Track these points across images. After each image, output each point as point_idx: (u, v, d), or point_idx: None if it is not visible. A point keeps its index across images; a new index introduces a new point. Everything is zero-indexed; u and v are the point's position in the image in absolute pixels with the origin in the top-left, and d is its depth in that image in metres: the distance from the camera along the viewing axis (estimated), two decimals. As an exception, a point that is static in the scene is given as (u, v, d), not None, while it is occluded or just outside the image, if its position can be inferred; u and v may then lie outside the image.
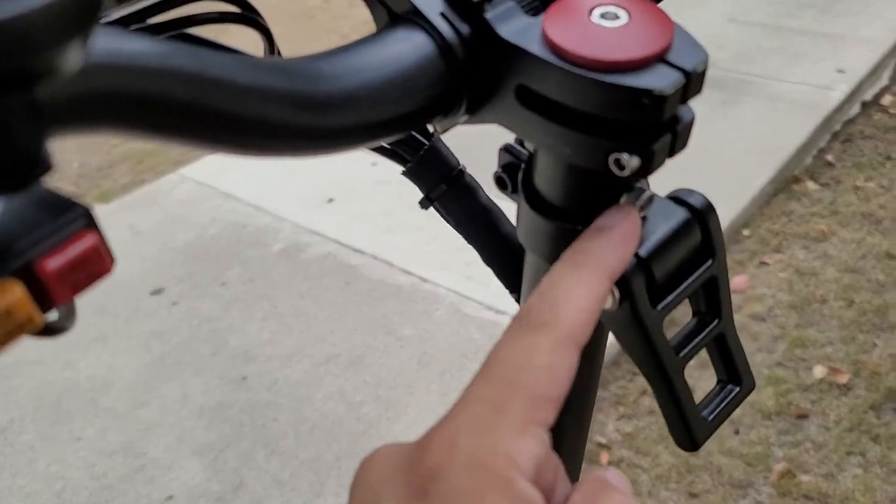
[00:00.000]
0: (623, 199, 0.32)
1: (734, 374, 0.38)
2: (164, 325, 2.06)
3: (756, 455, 1.67)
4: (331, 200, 2.48)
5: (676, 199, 0.34)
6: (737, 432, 1.72)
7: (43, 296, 0.21)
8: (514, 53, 0.29)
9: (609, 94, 0.27)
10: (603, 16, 0.29)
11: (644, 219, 0.33)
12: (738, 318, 2.01)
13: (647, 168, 0.29)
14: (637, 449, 1.70)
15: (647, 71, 0.27)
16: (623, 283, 0.31)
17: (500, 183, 0.38)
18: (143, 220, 2.49)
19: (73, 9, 0.17)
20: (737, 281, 2.12)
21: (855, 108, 2.84)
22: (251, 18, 0.36)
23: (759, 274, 2.15)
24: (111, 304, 2.14)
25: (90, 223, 0.22)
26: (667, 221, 0.33)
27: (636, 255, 0.32)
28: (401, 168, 0.45)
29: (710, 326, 0.36)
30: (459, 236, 0.45)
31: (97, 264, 0.22)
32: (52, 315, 0.22)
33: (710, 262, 0.35)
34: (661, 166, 0.30)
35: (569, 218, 0.33)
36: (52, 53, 0.17)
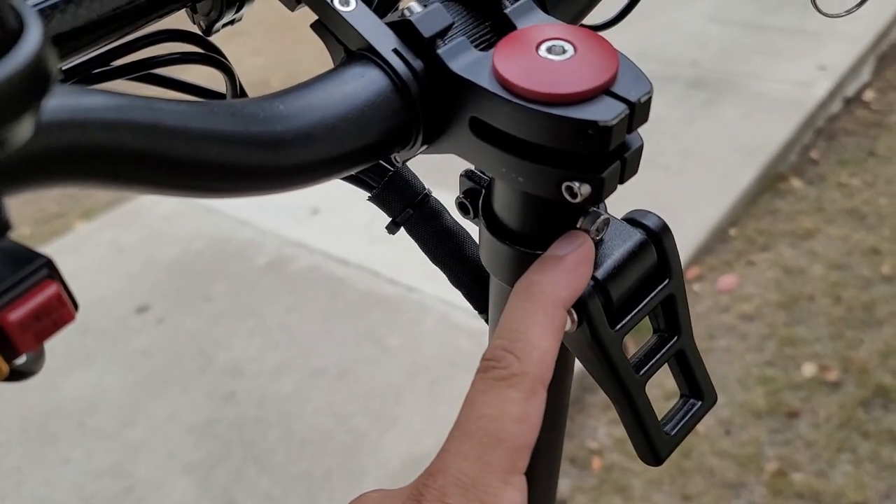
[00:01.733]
0: (580, 223, 0.33)
1: (696, 388, 0.38)
2: (151, 343, 2.04)
3: (748, 455, 1.67)
4: (315, 212, 2.47)
5: (632, 220, 0.35)
6: (728, 433, 1.72)
7: (7, 346, 0.21)
8: (466, 87, 0.30)
9: (556, 126, 0.28)
10: (550, 50, 0.29)
11: (600, 241, 0.33)
12: (728, 319, 2.01)
13: (598, 195, 0.29)
14: (628, 453, 1.69)
15: (592, 103, 0.28)
16: (581, 306, 0.32)
17: (462, 208, 0.38)
18: (126, 237, 2.47)
19: (21, 88, 0.17)
20: (725, 281, 2.12)
21: (837, 105, 2.85)
22: (214, 59, 0.35)
23: (746, 273, 2.15)
24: (96, 322, 2.12)
25: (52, 273, 0.23)
26: (623, 244, 0.34)
27: (593, 277, 0.32)
28: (367, 194, 0.45)
29: (670, 343, 0.37)
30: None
31: (60, 312, 0.23)
32: (21, 360, 0.23)
33: (667, 281, 0.35)
34: (612, 192, 0.30)
35: (527, 243, 0.34)
36: (1, 129, 0.17)
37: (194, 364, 1.96)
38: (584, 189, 0.29)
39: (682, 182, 2.44)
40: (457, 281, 0.46)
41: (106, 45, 0.33)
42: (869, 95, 2.92)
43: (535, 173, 0.30)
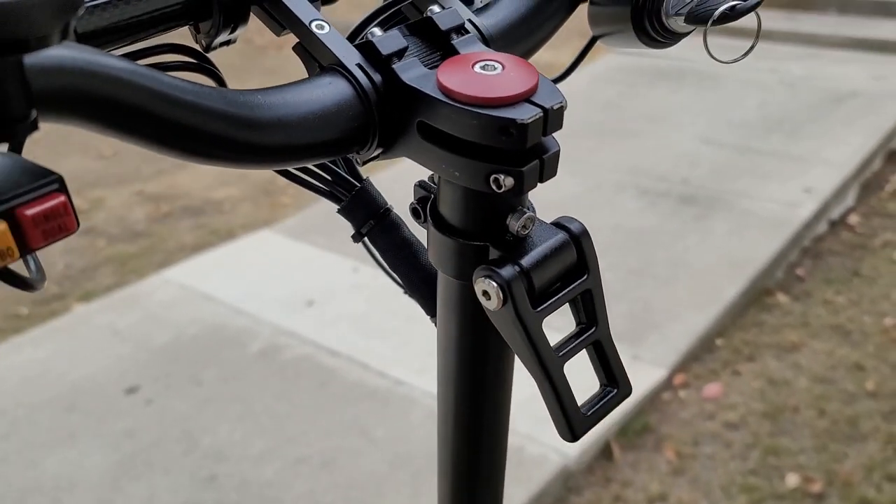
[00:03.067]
0: (508, 219, 0.39)
1: (612, 377, 0.43)
2: (136, 424, 2.04)
3: (731, 565, 1.65)
4: (310, 303, 2.51)
5: (558, 224, 0.42)
6: (711, 541, 1.70)
7: (21, 237, 0.27)
8: (415, 95, 0.37)
9: (485, 124, 0.35)
10: (483, 67, 0.37)
11: (528, 236, 0.40)
12: (713, 426, 2.01)
13: (520, 187, 0.36)
14: (610, 557, 1.67)
15: (514, 107, 0.35)
16: (506, 288, 0.38)
17: (414, 213, 0.44)
18: (122, 320, 2.50)
19: (51, 5, 0.23)
20: (711, 389, 2.14)
21: (823, 226, 2.95)
22: (210, 70, 0.42)
23: (732, 382, 2.17)
24: (83, 402, 2.13)
25: (62, 188, 0.28)
26: (547, 241, 0.40)
27: (519, 264, 0.39)
28: (336, 206, 0.52)
29: (588, 333, 0.42)
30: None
31: (65, 220, 0.28)
32: (27, 273, 0.29)
33: (585, 276, 0.41)
34: (533, 187, 0.37)
35: (467, 236, 0.40)
36: (37, 30, 0.23)
37: (178, 447, 1.96)
38: (507, 181, 0.36)
39: (671, 292, 2.49)
40: (411, 286, 0.52)
41: (122, 47, 0.40)
42: (854, 219, 3.02)
43: (469, 168, 0.36)
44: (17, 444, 1.99)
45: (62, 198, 0.27)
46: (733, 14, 0.39)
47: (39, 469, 1.91)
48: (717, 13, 0.39)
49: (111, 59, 0.30)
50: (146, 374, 2.23)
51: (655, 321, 2.35)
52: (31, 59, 0.26)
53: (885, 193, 3.20)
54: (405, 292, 0.53)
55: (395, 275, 0.53)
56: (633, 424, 2.02)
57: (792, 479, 1.83)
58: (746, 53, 0.42)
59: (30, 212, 0.26)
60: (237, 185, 3.58)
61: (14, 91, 0.25)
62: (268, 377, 2.19)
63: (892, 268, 2.69)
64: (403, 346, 2.25)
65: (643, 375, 2.13)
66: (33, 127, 0.26)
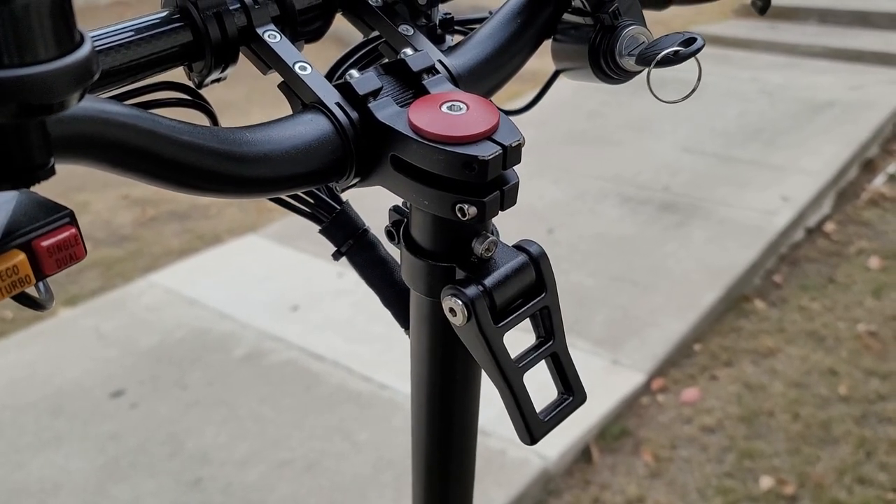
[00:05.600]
0: (473, 243, 0.43)
1: (568, 386, 0.47)
2: (122, 427, 2.06)
3: (705, 565, 1.69)
4: (295, 308, 2.54)
5: (519, 247, 0.45)
6: (687, 542, 1.74)
7: (37, 265, 0.31)
8: (389, 132, 0.41)
9: (450, 159, 0.39)
10: (449, 108, 0.41)
11: (491, 258, 0.44)
12: (690, 430, 2.06)
13: (482, 216, 0.40)
14: (588, 558, 1.70)
15: (476, 144, 0.39)
16: (470, 305, 0.42)
17: (389, 235, 0.48)
18: (108, 324, 2.52)
19: (81, 71, 0.26)
20: (688, 393, 2.19)
21: (800, 234, 3.00)
22: (202, 105, 0.45)
23: (709, 387, 2.22)
24: (69, 405, 2.14)
25: (72, 221, 0.32)
26: (508, 262, 0.44)
27: (482, 284, 0.42)
28: (318, 227, 0.56)
29: (546, 346, 0.46)
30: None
31: (75, 249, 0.32)
32: (38, 293, 0.33)
33: (543, 294, 0.45)
34: (495, 215, 0.41)
35: (436, 258, 0.44)
36: (59, 97, 0.26)
37: (163, 450, 1.98)
38: (471, 210, 0.40)
39: (650, 297, 2.54)
40: (387, 301, 0.56)
41: (122, 87, 0.43)
42: (829, 227, 3.08)
43: (436, 198, 0.40)
44: (2, 447, 2.00)
45: (73, 230, 0.31)
46: (676, 59, 0.42)
47: (25, 471, 1.93)
48: (659, 56, 0.43)
49: (117, 107, 0.34)
50: (131, 378, 2.25)
51: (635, 327, 2.39)
52: None
53: (861, 202, 3.27)
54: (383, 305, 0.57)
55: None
56: (612, 428, 2.06)
57: (766, 482, 1.88)
58: (687, 96, 0.46)
59: (45, 243, 0.30)
60: (223, 190, 3.60)
61: (36, 143, 0.28)
62: (252, 381, 2.21)
63: (866, 275, 2.75)
64: (387, 351, 2.28)
65: (622, 380, 2.17)
66: (51, 172, 0.29)
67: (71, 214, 0.31)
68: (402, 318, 0.55)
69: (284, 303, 2.57)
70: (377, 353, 2.29)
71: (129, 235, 3.24)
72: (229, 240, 3.08)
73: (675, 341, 2.34)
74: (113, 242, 3.18)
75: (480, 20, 0.52)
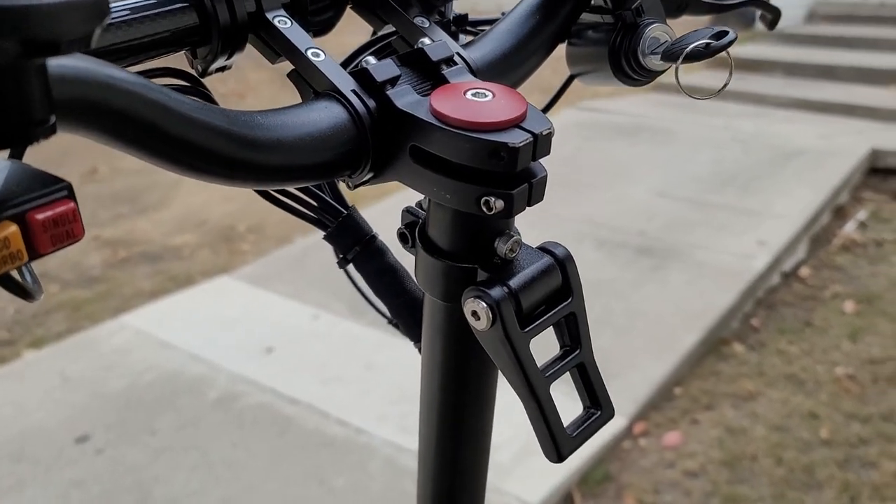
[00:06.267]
0: (496, 242, 0.40)
1: (595, 399, 0.44)
2: (87, 474, 1.98)
3: None
4: (270, 350, 2.48)
5: (544, 248, 0.43)
6: (673, 591, 1.69)
7: (30, 241, 0.27)
8: (408, 120, 0.38)
9: (477, 147, 0.36)
10: (474, 95, 0.38)
11: (514, 259, 0.41)
12: (673, 474, 2.02)
13: (509, 210, 0.37)
14: None
15: (505, 132, 0.36)
16: (495, 308, 0.38)
17: (402, 238, 0.45)
18: (74, 367, 2.44)
19: (86, 10, 0.24)
20: (670, 437, 2.16)
21: (776, 278, 3.02)
22: (201, 92, 0.42)
23: (691, 431, 2.19)
24: (31, 450, 2.05)
25: (71, 195, 0.28)
26: (534, 264, 0.41)
27: (507, 286, 0.39)
28: (322, 233, 0.52)
29: (573, 355, 0.43)
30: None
31: (73, 226, 0.28)
32: (26, 281, 0.29)
33: (569, 299, 0.42)
34: (521, 210, 0.38)
35: (456, 258, 0.41)
36: (67, 34, 0.24)
37: (129, 498, 1.90)
38: (498, 204, 0.37)
39: (629, 341, 2.52)
40: (396, 312, 0.52)
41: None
42: (805, 272, 3.10)
43: (460, 190, 0.37)
44: (-41, 496, 1.91)
45: (71, 204, 0.28)
46: (707, 52, 0.40)
47: (-18, 521, 1.83)
48: (689, 48, 0.41)
49: (125, 73, 0.31)
50: (98, 423, 2.17)
51: (614, 370, 2.37)
52: (53, 67, 0.27)
53: (833, 247, 3.30)
54: (389, 322, 0.54)
55: (377, 302, 0.53)
56: (594, 473, 2.02)
57: (751, 528, 1.84)
58: (719, 91, 0.44)
59: (40, 216, 0.27)
60: (196, 232, 3.55)
61: (37, 94, 0.25)
62: (225, 425, 2.14)
63: (842, 319, 2.76)
64: (364, 395, 2.23)
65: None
66: (51, 131, 0.26)
67: (69, 188, 0.28)
68: (412, 329, 0.52)
69: (258, 345, 2.51)
70: (354, 396, 2.23)
71: (98, 277, 3.17)
72: (202, 281, 3.02)
73: (656, 384, 2.31)
74: (82, 284, 3.11)
75: (493, 21, 0.50)
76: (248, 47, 0.42)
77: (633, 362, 2.40)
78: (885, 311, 2.79)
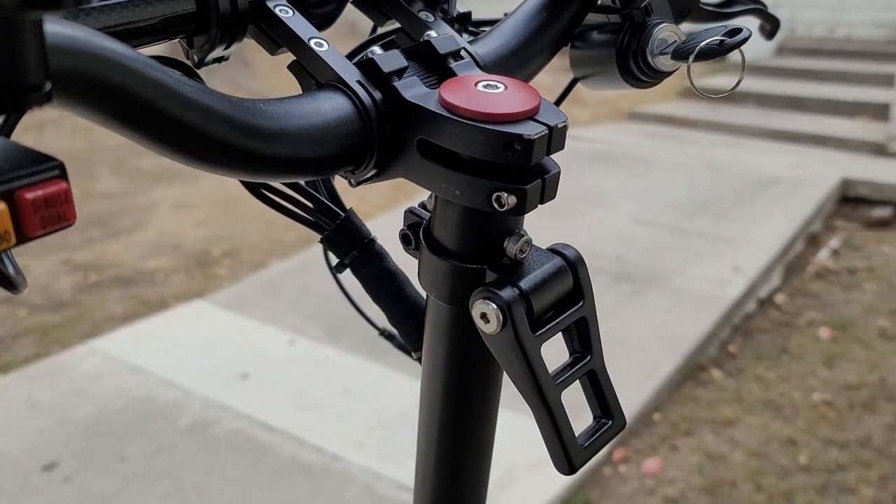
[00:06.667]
0: (506, 242, 0.39)
1: (606, 408, 0.42)
2: (54, 503, 1.91)
3: None
4: (245, 376, 2.43)
5: (554, 250, 0.41)
6: None
7: (19, 222, 0.25)
8: (416, 112, 0.36)
9: (490, 139, 0.34)
10: (485, 86, 0.37)
11: (524, 260, 0.39)
12: (653, 502, 2.00)
13: (521, 206, 0.35)
14: None
15: (519, 123, 0.35)
16: (506, 310, 0.37)
17: (404, 239, 0.43)
18: (42, 393, 2.37)
19: None
20: (650, 464, 2.14)
21: (752, 305, 3.03)
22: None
23: (671, 457, 2.17)
24: (-4, 479, 1.99)
25: (63, 174, 0.26)
26: (545, 265, 0.40)
27: (518, 287, 0.37)
28: (319, 236, 0.50)
29: (584, 362, 0.41)
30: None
31: (65, 208, 0.26)
32: (9, 269, 0.27)
33: (581, 303, 0.41)
34: (534, 207, 0.36)
35: (463, 258, 0.40)
36: None
37: (98, 527, 1.84)
38: (510, 199, 0.35)
39: (608, 366, 2.50)
40: (394, 319, 0.50)
41: None
42: (780, 299, 3.12)
43: (470, 185, 0.36)
44: (-82, 526, 1.84)
45: (64, 184, 0.26)
46: (721, 49, 0.39)
47: (-58, 553, 1.76)
48: (701, 45, 0.40)
49: (126, 49, 0.30)
50: (65, 450, 2.11)
51: (594, 396, 2.35)
52: (51, 35, 0.26)
53: (807, 275, 3.33)
54: (381, 334, 0.52)
55: (368, 313, 0.50)
56: (575, 500, 1.99)
57: (733, 555, 1.82)
58: (733, 89, 0.44)
59: (30, 195, 0.25)
60: (170, 256, 3.50)
61: (33, 57, 0.23)
62: (198, 452, 2.09)
63: (818, 345, 2.78)
64: (341, 421, 2.19)
65: (583, 450, 2.12)
66: (46, 98, 0.24)
67: (61, 167, 0.26)
68: (411, 337, 0.50)
69: (233, 370, 2.46)
70: (330, 422, 2.19)
71: (68, 301, 3.10)
72: (176, 305, 2.97)
73: (636, 411, 2.30)
74: (51, 308, 3.04)
75: (495, 21, 0.49)
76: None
77: (612, 388, 2.38)
78: (859, 337, 2.82)
